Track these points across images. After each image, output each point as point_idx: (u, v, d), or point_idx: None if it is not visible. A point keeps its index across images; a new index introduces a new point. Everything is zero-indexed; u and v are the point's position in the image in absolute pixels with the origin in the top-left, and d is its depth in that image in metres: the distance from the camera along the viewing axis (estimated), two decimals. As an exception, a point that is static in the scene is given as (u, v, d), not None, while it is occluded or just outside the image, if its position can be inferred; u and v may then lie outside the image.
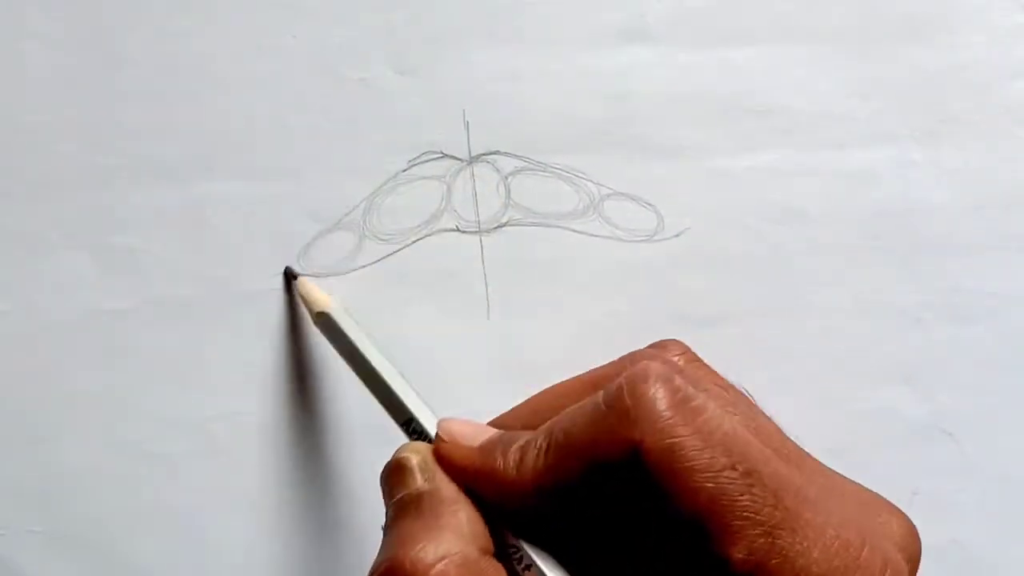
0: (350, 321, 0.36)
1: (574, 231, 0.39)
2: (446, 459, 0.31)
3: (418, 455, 0.31)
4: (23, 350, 0.38)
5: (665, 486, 0.26)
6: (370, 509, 0.39)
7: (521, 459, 0.29)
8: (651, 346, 0.32)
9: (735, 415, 0.29)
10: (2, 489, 0.38)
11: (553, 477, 0.28)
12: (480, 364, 0.39)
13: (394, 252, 0.39)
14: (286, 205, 0.38)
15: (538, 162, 0.39)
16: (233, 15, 0.38)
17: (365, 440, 0.39)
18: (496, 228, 0.39)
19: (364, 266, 0.39)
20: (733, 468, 0.26)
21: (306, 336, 0.39)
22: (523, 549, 0.29)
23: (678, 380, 0.28)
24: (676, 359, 0.31)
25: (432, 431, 0.33)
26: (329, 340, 0.36)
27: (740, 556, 0.25)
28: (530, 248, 0.39)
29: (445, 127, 0.39)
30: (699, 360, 0.32)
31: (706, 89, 0.39)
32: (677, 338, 0.33)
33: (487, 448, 0.30)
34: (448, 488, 0.30)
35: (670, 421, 0.27)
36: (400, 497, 0.30)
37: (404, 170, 0.39)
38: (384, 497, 0.31)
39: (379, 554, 0.29)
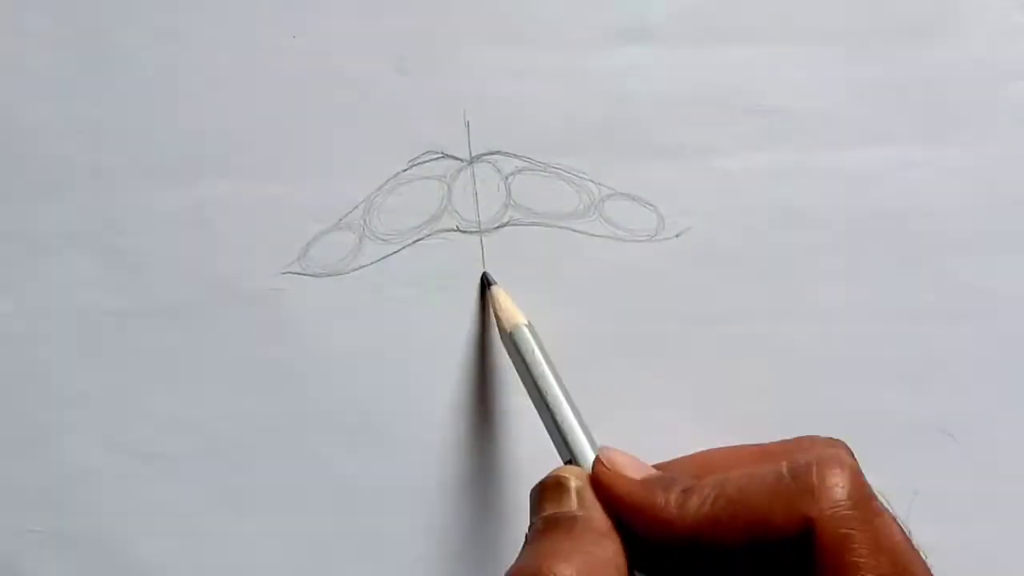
0: (535, 341, 0.35)
1: (575, 231, 0.39)
2: (604, 486, 0.31)
3: (578, 480, 0.31)
4: (23, 350, 0.38)
5: (828, 571, 0.27)
6: (370, 509, 0.39)
7: (684, 501, 0.29)
8: (826, 439, 0.32)
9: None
10: (2, 489, 0.38)
11: (713, 527, 0.29)
12: (480, 364, 0.39)
13: (394, 252, 0.39)
14: (286, 205, 0.38)
15: (539, 162, 0.39)
16: (233, 15, 0.38)
17: (365, 440, 0.39)
18: (497, 228, 0.39)
19: (364, 266, 0.39)
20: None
21: (306, 336, 0.39)
22: None
23: (863, 477, 0.29)
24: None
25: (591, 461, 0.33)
26: (510, 354, 0.36)
27: None
28: (531, 248, 0.39)
29: (446, 127, 0.39)
30: None
31: (706, 89, 0.39)
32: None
33: (649, 483, 0.31)
34: (602, 520, 0.30)
35: (850, 513, 0.27)
36: (552, 513, 0.31)
37: (404, 170, 0.39)
38: (533, 509, 0.31)
39: (519, 560, 0.29)
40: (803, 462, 0.28)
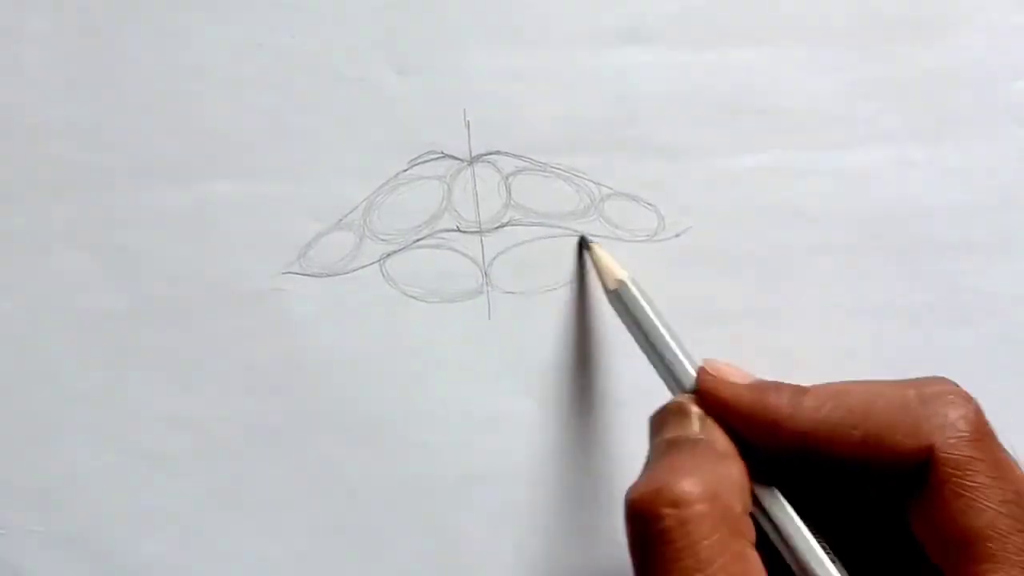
0: (644, 294, 0.36)
1: (575, 231, 0.39)
2: (711, 393, 0.32)
3: (698, 407, 0.32)
4: (23, 350, 0.38)
5: (947, 494, 0.28)
6: (370, 509, 0.39)
7: (798, 403, 0.30)
8: (952, 384, 0.32)
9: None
10: (2, 489, 0.38)
11: (829, 434, 0.29)
12: (480, 365, 0.39)
13: (394, 252, 0.39)
14: (286, 205, 0.38)
15: (539, 162, 0.39)
16: (233, 15, 0.38)
17: (365, 440, 0.39)
18: (497, 228, 0.39)
19: (364, 266, 0.39)
20: (1018, 504, 0.28)
21: (306, 336, 0.39)
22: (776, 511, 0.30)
23: (986, 417, 0.29)
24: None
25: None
26: (617, 312, 0.36)
27: None
28: (531, 248, 0.39)
29: (446, 127, 0.38)
30: None
31: (706, 89, 0.39)
32: None
33: (757, 386, 0.31)
34: (724, 442, 0.31)
35: (976, 443, 0.28)
36: (675, 436, 0.31)
37: (404, 170, 0.39)
38: (653, 434, 0.32)
39: (642, 477, 0.29)
40: (931, 391, 0.29)
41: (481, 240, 0.39)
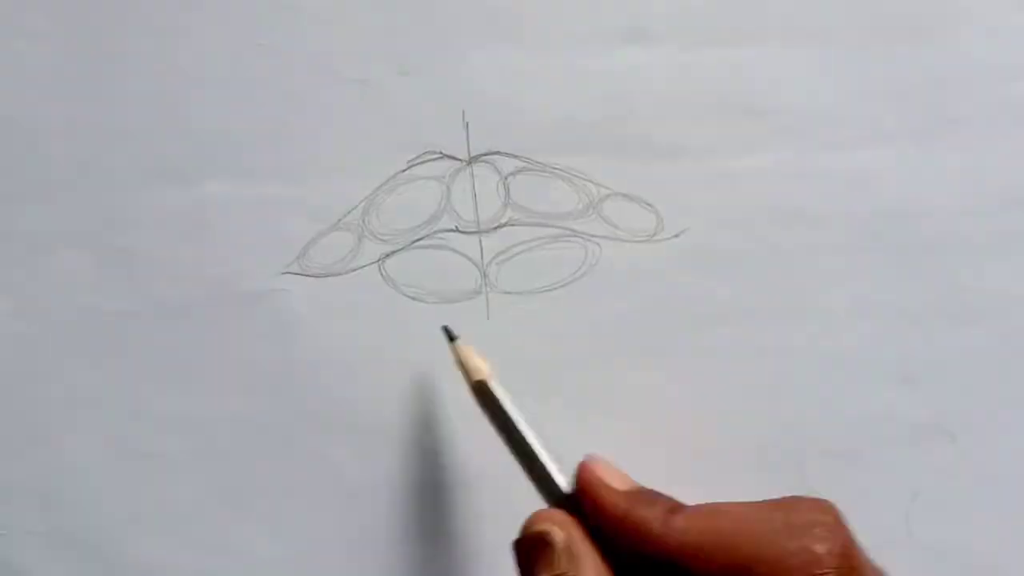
0: (503, 392, 0.35)
1: (574, 231, 0.39)
2: (588, 494, 0.32)
3: (561, 531, 0.31)
4: (23, 350, 0.38)
5: None
6: (370, 509, 0.39)
7: (668, 520, 0.30)
8: (815, 502, 0.32)
9: None
10: (3, 489, 0.38)
11: (695, 554, 0.29)
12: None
13: (393, 252, 0.39)
14: (286, 205, 0.38)
15: (537, 162, 0.39)
16: (233, 15, 0.38)
17: (365, 440, 0.39)
18: (495, 228, 0.39)
19: (363, 266, 0.39)
20: None
21: (306, 336, 0.39)
22: None
23: (855, 544, 0.29)
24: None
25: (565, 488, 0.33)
26: (480, 405, 0.36)
27: None
28: (529, 248, 0.39)
29: (445, 127, 0.39)
30: None
31: (706, 89, 0.39)
32: None
33: (635, 496, 0.31)
34: (595, 570, 0.31)
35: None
36: None
37: (403, 170, 0.39)
38: (522, 567, 0.32)
39: None
40: (801, 521, 0.29)
41: (480, 240, 0.39)
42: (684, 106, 0.39)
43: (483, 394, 0.35)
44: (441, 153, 0.39)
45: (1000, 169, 0.39)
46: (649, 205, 0.39)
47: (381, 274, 0.39)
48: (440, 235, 0.39)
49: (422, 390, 0.39)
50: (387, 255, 0.39)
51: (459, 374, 0.36)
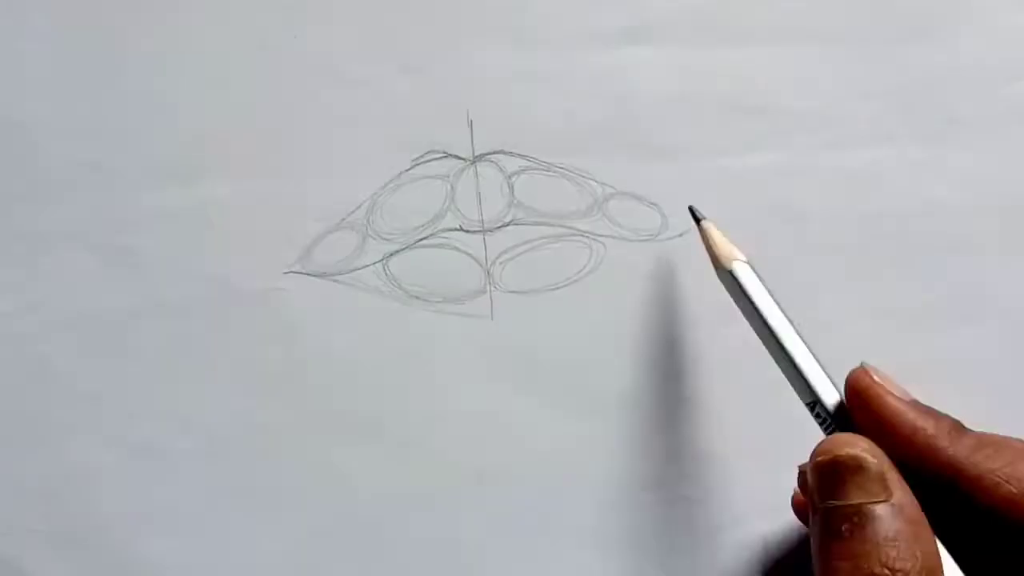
0: (757, 282, 0.34)
1: (578, 231, 0.39)
2: (870, 403, 0.31)
3: (875, 458, 0.29)
4: (24, 350, 0.38)
5: None
6: (370, 509, 0.39)
7: (957, 438, 0.30)
8: None
9: None
10: (4, 489, 0.38)
11: (980, 477, 0.29)
12: (483, 364, 0.39)
13: (397, 251, 0.39)
14: (288, 205, 0.38)
15: (542, 161, 0.39)
16: (234, 15, 0.38)
17: (365, 440, 0.39)
18: (500, 228, 0.39)
19: (367, 265, 0.39)
20: None
21: (309, 335, 0.39)
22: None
23: None
24: None
25: (832, 401, 0.32)
26: (731, 294, 0.35)
27: None
28: (534, 248, 0.39)
29: (449, 126, 0.39)
30: None
31: (707, 89, 0.39)
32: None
33: (921, 409, 0.31)
34: (914, 504, 0.29)
35: None
36: (860, 505, 0.29)
37: (407, 169, 0.39)
38: (821, 491, 0.30)
39: (836, 556, 0.28)
40: None
41: (484, 239, 0.39)
42: (685, 106, 0.39)
43: (733, 283, 0.34)
44: (445, 152, 0.39)
45: (1001, 169, 0.40)
46: (653, 204, 0.39)
47: (385, 273, 0.39)
48: (444, 234, 0.39)
49: (424, 389, 0.39)
50: (391, 254, 0.39)
51: (707, 258, 0.35)
